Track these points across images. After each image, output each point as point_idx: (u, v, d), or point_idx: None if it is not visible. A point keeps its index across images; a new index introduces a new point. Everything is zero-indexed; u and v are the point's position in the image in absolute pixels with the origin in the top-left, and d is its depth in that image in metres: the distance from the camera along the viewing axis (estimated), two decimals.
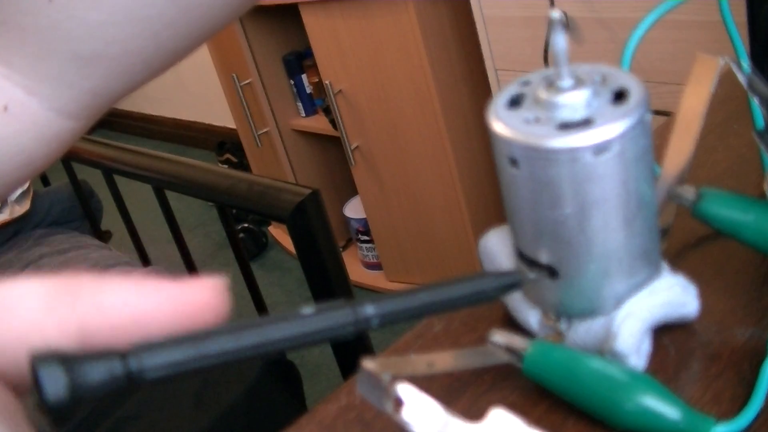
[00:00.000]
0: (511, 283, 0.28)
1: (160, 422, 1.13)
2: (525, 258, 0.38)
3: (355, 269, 2.22)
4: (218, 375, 1.17)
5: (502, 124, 0.35)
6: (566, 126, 0.33)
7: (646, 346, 0.38)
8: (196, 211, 2.76)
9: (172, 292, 0.18)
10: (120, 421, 1.12)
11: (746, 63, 0.40)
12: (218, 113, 3.15)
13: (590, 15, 1.37)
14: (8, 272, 1.40)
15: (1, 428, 0.17)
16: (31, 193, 1.54)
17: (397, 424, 0.28)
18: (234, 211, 1.84)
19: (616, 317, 0.37)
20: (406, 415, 0.27)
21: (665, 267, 0.39)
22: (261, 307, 1.24)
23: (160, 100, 3.48)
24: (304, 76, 2.17)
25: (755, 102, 0.40)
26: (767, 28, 0.45)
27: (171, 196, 1.20)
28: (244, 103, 2.16)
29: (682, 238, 0.46)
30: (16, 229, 1.53)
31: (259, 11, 2.05)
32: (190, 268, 1.30)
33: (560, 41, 0.33)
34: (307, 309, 0.19)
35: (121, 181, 1.30)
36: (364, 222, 2.13)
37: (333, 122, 1.98)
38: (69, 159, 1.39)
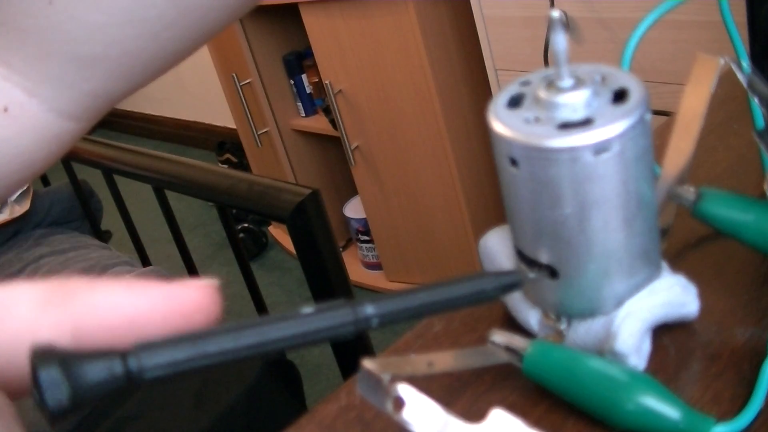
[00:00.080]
0: (511, 283, 0.28)
1: (160, 422, 1.13)
2: (525, 258, 0.38)
3: (355, 269, 2.22)
4: (218, 375, 1.17)
5: (502, 124, 0.35)
6: (566, 126, 0.33)
7: (646, 346, 0.38)
8: (196, 211, 2.76)
9: (165, 293, 0.19)
10: (120, 421, 1.12)
11: (746, 63, 0.40)
12: (218, 113, 3.15)
13: (590, 15, 1.37)
14: (8, 272, 1.40)
15: None
16: (31, 193, 1.53)
17: (397, 424, 0.28)
18: (234, 211, 1.84)
19: (616, 317, 0.37)
20: (406, 415, 0.27)
21: (665, 267, 0.39)
22: (261, 307, 1.24)
23: (160, 100, 3.48)
24: (304, 76, 2.17)
25: (755, 102, 0.40)
26: (767, 28, 0.45)
27: (171, 196, 1.20)
28: (244, 103, 2.16)
29: (682, 238, 0.46)
30: (16, 229, 1.53)
31: (259, 11, 2.05)
32: (190, 268, 1.30)
33: (560, 41, 0.33)
34: (307, 309, 0.19)
35: (121, 181, 1.30)
36: (364, 222, 2.13)
37: (333, 122, 1.98)
38: (69, 159, 1.39)
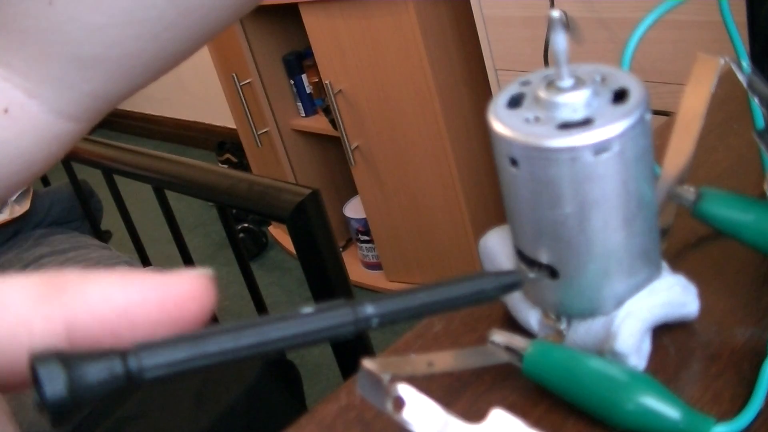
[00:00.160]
0: (511, 283, 0.28)
1: (160, 422, 1.13)
2: (525, 258, 0.38)
3: (355, 269, 2.22)
4: (218, 375, 1.17)
5: (502, 124, 0.35)
6: (566, 126, 0.33)
7: (646, 346, 0.38)
8: (196, 211, 2.76)
9: (158, 284, 0.18)
10: (120, 421, 1.12)
11: (746, 63, 0.40)
12: (218, 113, 3.15)
13: (590, 15, 1.37)
14: (8, 272, 1.40)
15: None
16: (31, 193, 1.54)
17: (397, 424, 0.28)
18: (234, 211, 1.84)
19: (616, 317, 0.37)
20: (406, 415, 0.27)
21: (665, 267, 0.39)
22: (261, 307, 1.24)
23: (160, 100, 3.48)
24: (304, 76, 2.17)
25: (755, 102, 0.40)
26: (767, 28, 0.45)
27: (171, 196, 1.20)
28: (244, 103, 2.16)
29: (682, 238, 0.46)
30: (16, 229, 1.53)
31: (259, 11, 2.05)
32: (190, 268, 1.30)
33: (560, 41, 0.33)
34: (307, 309, 0.19)
35: (121, 181, 1.30)
36: (364, 222, 2.13)
37: (333, 122, 1.98)
38: (69, 159, 1.39)
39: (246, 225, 2.48)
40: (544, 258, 0.37)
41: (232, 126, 2.54)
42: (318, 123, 2.16)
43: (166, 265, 1.47)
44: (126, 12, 0.33)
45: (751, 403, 0.35)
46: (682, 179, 0.42)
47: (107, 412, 1.12)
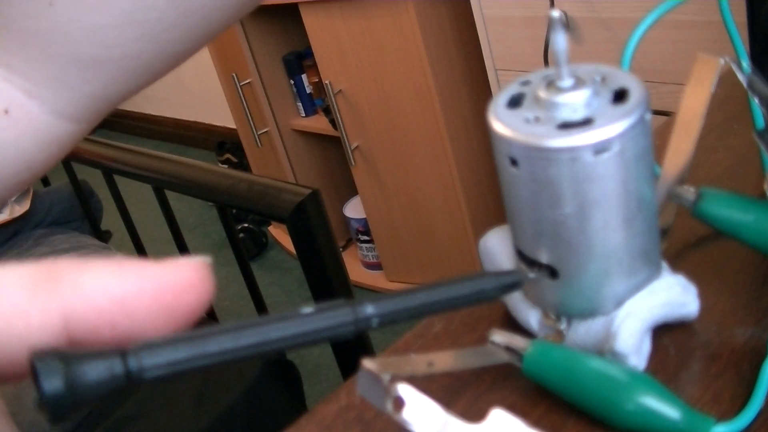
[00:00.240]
0: (511, 283, 0.28)
1: (160, 422, 1.13)
2: (525, 258, 0.38)
3: (355, 269, 2.22)
4: (218, 375, 1.17)
5: (502, 124, 0.35)
6: (566, 126, 0.33)
7: (646, 346, 0.38)
8: (196, 211, 2.76)
9: (155, 273, 0.18)
10: (120, 421, 1.12)
11: (746, 63, 0.40)
12: (218, 113, 3.15)
13: (590, 15, 1.37)
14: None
15: None
16: (31, 193, 1.54)
17: (397, 424, 0.28)
18: (234, 211, 1.84)
19: (616, 317, 0.37)
20: (406, 415, 0.27)
21: (665, 267, 0.39)
22: (261, 307, 1.24)
23: (160, 100, 3.48)
24: (304, 76, 2.17)
25: (755, 102, 0.40)
26: (767, 28, 0.45)
27: (171, 196, 1.20)
28: (244, 103, 2.16)
29: (682, 238, 0.46)
30: (16, 229, 1.53)
31: (259, 11, 2.05)
32: None
33: (560, 41, 0.33)
34: (307, 309, 0.19)
35: (121, 181, 1.30)
36: (364, 222, 2.13)
37: (333, 122, 1.98)
38: (69, 159, 1.39)
39: (246, 225, 2.48)
40: (544, 258, 0.37)
41: (232, 126, 2.54)
42: (318, 123, 2.16)
43: None
44: (126, 13, 0.33)
45: (751, 403, 0.35)
46: (682, 179, 0.42)
47: (107, 412, 1.12)
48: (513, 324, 0.42)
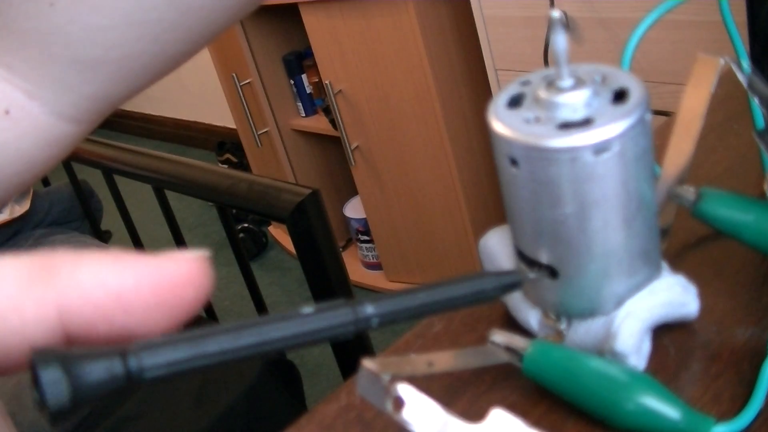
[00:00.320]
0: (511, 283, 0.28)
1: (160, 422, 1.13)
2: (525, 258, 0.38)
3: (355, 269, 2.22)
4: (218, 375, 1.17)
5: (502, 123, 0.35)
6: (566, 126, 0.33)
7: (646, 346, 0.38)
8: (196, 211, 2.76)
9: (153, 267, 0.18)
10: (120, 421, 1.12)
11: (746, 63, 0.40)
12: (218, 113, 3.15)
13: (590, 15, 1.37)
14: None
15: None
16: (31, 193, 1.53)
17: (397, 424, 0.28)
18: (234, 211, 1.84)
19: (616, 317, 0.37)
20: (406, 415, 0.27)
21: (665, 267, 0.39)
22: (261, 307, 1.24)
23: (160, 100, 3.48)
24: (304, 76, 2.17)
25: (755, 102, 0.40)
26: (767, 28, 0.45)
27: (171, 196, 1.20)
28: (244, 103, 2.16)
29: (682, 238, 0.46)
30: (16, 229, 1.53)
31: (259, 11, 2.05)
32: None
33: (560, 41, 0.33)
34: (307, 309, 0.19)
35: (121, 181, 1.30)
36: (364, 222, 2.13)
37: (333, 122, 1.98)
38: (69, 159, 1.39)
39: (246, 225, 2.48)
40: (544, 258, 0.37)
41: (232, 126, 2.54)
42: (318, 123, 2.16)
43: None
44: (126, 14, 0.33)
45: (751, 403, 0.35)
46: (682, 179, 0.42)
47: (107, 412, 1.12)
48: (513, 324, 0.42)
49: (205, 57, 2.29)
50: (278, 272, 2.40)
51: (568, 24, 1.43)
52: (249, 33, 2.09)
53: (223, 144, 2.87)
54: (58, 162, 0.38)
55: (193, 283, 0.18)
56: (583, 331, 0.38)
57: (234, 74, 2.14)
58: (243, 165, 2.72)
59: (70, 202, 1.61)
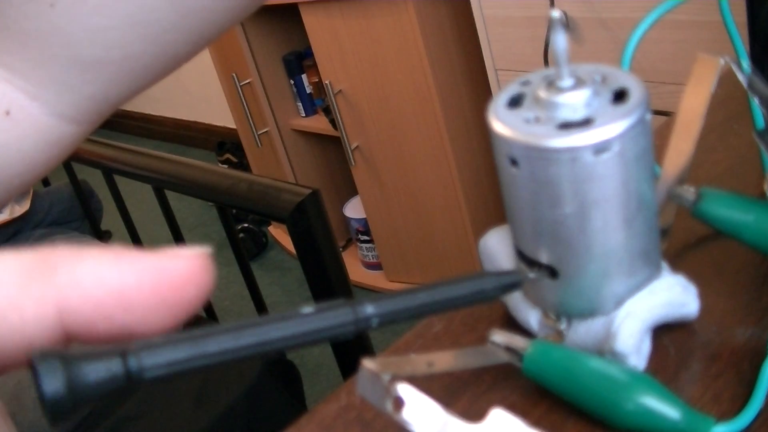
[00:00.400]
0: (511, 283, 0.28)
1: (160, 422, 1.13)
2: (525, 258, 0.38)
3: (355, 269, 2.22)
4: (218, 375, 1.17)
5: (502, 123, 0.35)
6: (566, 126, 0.33)
7: (646, 346, 0.38)
8: (196, 211, 2.76)
9: (154, 264, 0.18)
10: (120, 421, 1.12)
11: (746, 63, 0.40)
12: (218, 113, 3.15)
13: (590, 15, 1.37)
14: None
15: None
16: (31, 193, 1.54)
17: (397, 424, 0.28)
18: (234, 211, 1.84)
19: (616, 317, 0.37)
20: (406, 415, 0.27)
21: (665, 267, 0.39)
22: (261, 307, 1.24)
23: (160, 100, 3.48)
24: (304, 76, 2.17)
25: (755, 102, 0.40)
26: (767, 28, 0.45)
27: (171, 196, 1.20)
28: (244, 103, 2.16)
29: (682, 238, 0.46)
30: (16, 229, 1.53)
31: (259, 11, 2.05)
32: None
33: (560, 41, 0.33)
34: (307, 308, 0.19)
35: (121, 181, 1.30)
36: (364, 222, 2.13)
37: (333, 122, 1.98)
38: (69, 159, 1.38)
39: (246, 225, 2.48)
40: (544, 258, 0.37)
41: (232, 126, 2.54)
42: (318, 123, 2.16)
43: None
44: (127, 14, 0.33)
45: (751, 403, 0.35)
46: (682, 179, 0.42)
47: (107, 412, 1.12)
48: (513, 324, 0.42)
49: (205, 57, 2.30)
50: (278, 272, 2.40)
51: (568, 24, 1.43)
52: (249, 33, 2.09)
53: (223, 144, 2.87)
54: (59, 163, 0.38)
55: (194, 281, 0.18)
56: (583, 331, 0.38)
57: (234, 74, 2.14)
58: (243, 165, 2.72)
59: (70, 202, 1.61)
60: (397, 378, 0.29)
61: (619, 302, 0.37)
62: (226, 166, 2.79)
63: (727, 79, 0.45)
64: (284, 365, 1.30)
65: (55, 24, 0.32)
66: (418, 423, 0.27)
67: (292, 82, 2.18)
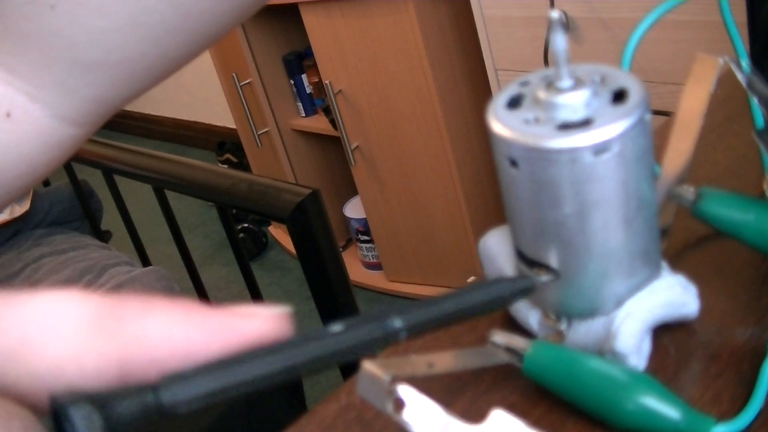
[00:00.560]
0: (525, 287, 0.28)
1: (160, 422, 1.13)
2: (525, 258, 0.38)
3: (355, 269, 2.22)
4: None
5: (501, 124, 0.35)
6: (566, 126, 0.33)
7: (646, 346, 0.38)
8: (196, 211, 2.76)
9: (225, 324, 0.17)
10: None
11: (746, 63, 0.40)
12: (218, 113, 3.15)
13: (590, 15, 1.37)
14: (8, 272, 1.40)
15: None
16: (31, 193, 1.53)
17: (397, 424, 0.28)
18: (234, 211, 1.84)
19: (616, 317, 0.37)
20: (406, 415, 0.27)
21: (665, 267, 0.39)
22: None
23: (160, 100, 3.48)
24: (304, 76, 2.17)
25: (755, 102, 0.40)
26: (767, 28, 0.45)
27: (171, 196, 1.20)
28: (244, 103, 2.16)
29: (682, 238, 0.46)
30: (15, 229, 1.53)
31: (259, 11, 2.05)
32: (190, 268, 1.30)
33: (560, 41, 0.33)
34: (336, 326, 0.19)
35: (121, 181, 1.30)
36: (364, 222, 2.12)
37: (333, 122, 1.98)
38: (69, 159, 1.38)
39: (246, 225, 2.48)
40: (544, 258, 0.37)
41: (232, 126, 2.54)
42: (318, 123, 2.16)
43: (166, 265, 1.47)
44: (128, 16, 0.32)
45: (751, 403, 0.35)
46: (682, 179, 0.42)
47: None
48: (513, 324, 0.42)
49: (205, 57, 2.29)
50: (278, 272, 2.40)
51: (568, 24, 1.43)
52: (249, 33, 2.09)
53: (223, 144, 2.87)
54: (60, 164, 0.38)
55: (268, 340, 0.17)
56: (583, 331, 0.38)
57: (234, 74, 2.14)
58: (243, 165, 2.72)
59: (70, 202, 1.60)
60: (397, 379, 0.29)
61: (619, 302, 0.37)
62: (226, 166, 2.79)
63: (726, 79, 0.45)
64: None
65: (55, 26, 0.32)
66: (419, 424, 0.27)
67: (292, 82, 2.18)
